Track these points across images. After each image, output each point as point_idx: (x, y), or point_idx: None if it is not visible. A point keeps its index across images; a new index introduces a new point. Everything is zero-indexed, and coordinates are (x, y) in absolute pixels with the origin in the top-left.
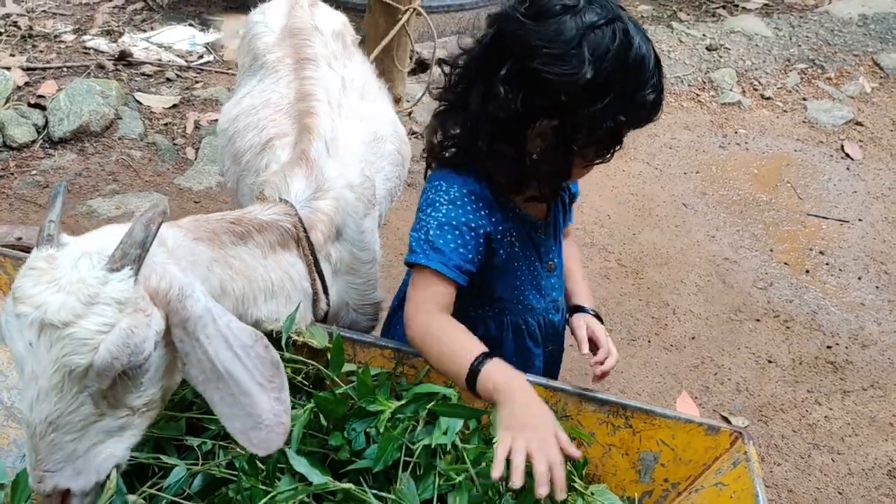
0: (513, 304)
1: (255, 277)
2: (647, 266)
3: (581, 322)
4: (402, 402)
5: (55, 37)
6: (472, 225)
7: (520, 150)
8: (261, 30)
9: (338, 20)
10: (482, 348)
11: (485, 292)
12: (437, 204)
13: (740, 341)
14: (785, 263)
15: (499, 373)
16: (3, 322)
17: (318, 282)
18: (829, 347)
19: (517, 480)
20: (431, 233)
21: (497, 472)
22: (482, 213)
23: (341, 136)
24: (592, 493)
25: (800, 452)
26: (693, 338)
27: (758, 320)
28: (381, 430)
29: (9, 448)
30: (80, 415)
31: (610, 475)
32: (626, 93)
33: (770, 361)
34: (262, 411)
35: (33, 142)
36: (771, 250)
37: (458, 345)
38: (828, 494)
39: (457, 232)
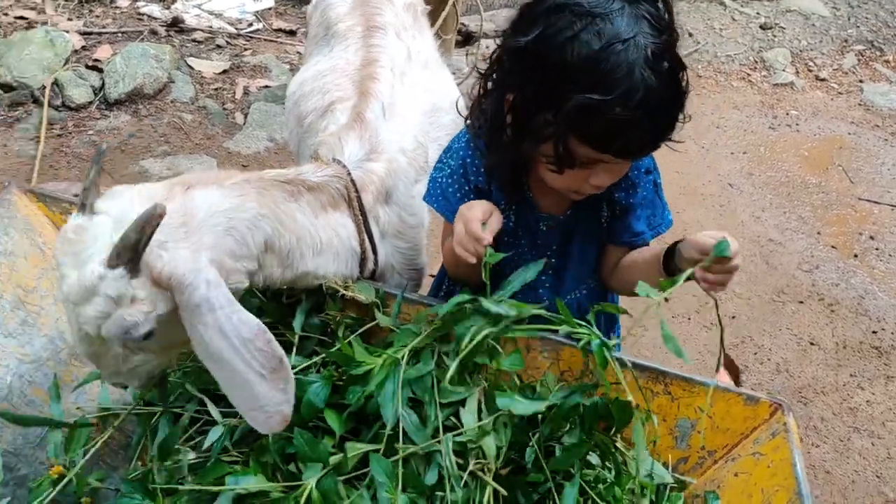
0: (495, 278)
1: (304, 235)
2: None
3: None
4: (380, 359)
5: (110, 2)
6: (467, 176)
7: (498, 122)
8: (333, 0)
9: None
10: None
11: None
12: (451, 151)
13: (782, 322)
14: (832, 247)
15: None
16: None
17: (366, 241)
18: (874, 332)
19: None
20: (444, 180)
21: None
22: (480, 169)
23: (399, 102)
24: (632, 457)
25: (839, 435)
26: (734, 317)
27: (801, 302)
28: (375, 388)
29: (71, 384)
30: (114, 353)
31: (647, 441)
32: (553, 86)
33: (812, 344)
34: (261, 398)
35: (90, 103)
36: (818, 233)
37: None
38: (865, 477)
39: (461, 181)
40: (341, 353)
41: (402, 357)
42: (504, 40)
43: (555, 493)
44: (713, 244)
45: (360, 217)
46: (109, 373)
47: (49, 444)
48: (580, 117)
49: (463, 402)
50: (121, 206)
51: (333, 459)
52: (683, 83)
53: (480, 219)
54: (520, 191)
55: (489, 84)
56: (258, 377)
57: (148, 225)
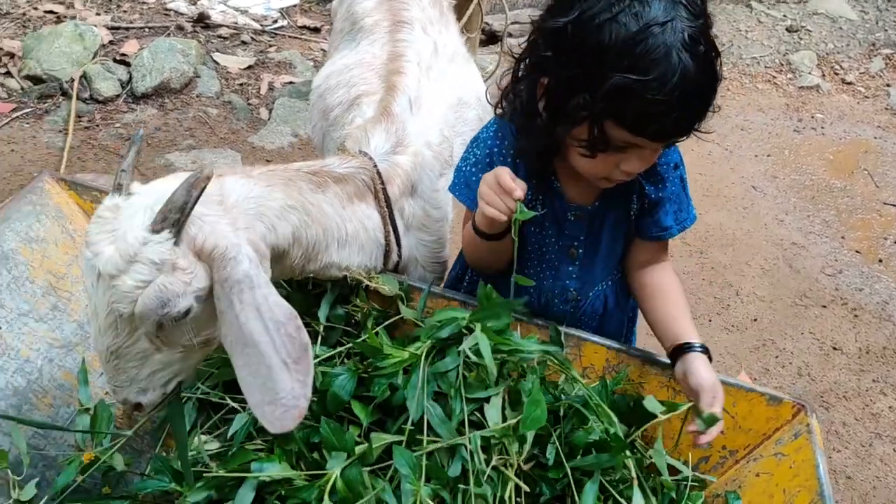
0: (520, 268)
1: (331, 226)
2: (711, 246)
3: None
4: (407, 353)
5: None
6: (493, 165)
7: (532, 107)
8: None
9: None
10: None
11: None
12: (479, 141)
13: (804, 326)
14: (856, 251)
15: None
16: (80, 259)
17: (391, 234)
18: None
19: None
20: (468, 169)
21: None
22: (507, 158)
23: (426, 96)
24: (650, 456)
25: (861, 441)
26: (755, 320)
27: (824, 307)
28: (402, 381)
29: (99, 369)
30: (138, 348)
31: (668, 438)
32: (590, 68)
33: (835, 348)
34: (280, 388)
35: (117, 96)
36: (842, 237)
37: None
38: (887, 483)
39: (486, 170)
40: (368, 344)
41: (424, 353)
42: (540, 23)
43: (574, 491)
44: (703, 412)
45: (386, 209)
46: (125, 380)
47: (77, 426)
48: (617, 99)
49: (487, 399)
50: (157, 188)
51: (358, 449)
52: (718, 69)
53: (510, 175)
54: (547, 179)
55: (523, 68)
56: (282, 365)
57: (195, 187)
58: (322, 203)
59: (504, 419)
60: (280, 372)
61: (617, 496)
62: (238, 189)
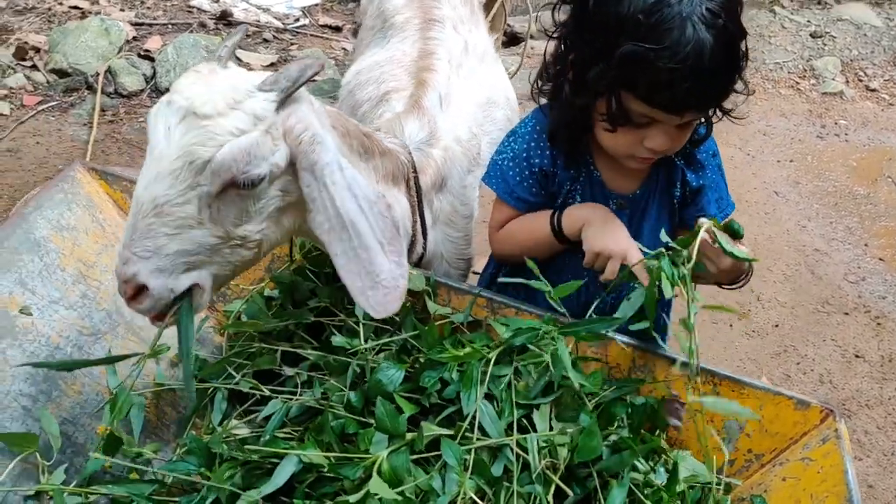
0: (564, 260)
1: None
2: None
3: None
4: (469, 349)
5: None
6: (531, 160)
7: (560, 82)
8: None
9: None
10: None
11: None
12: (516, 135)
13: (826, 333)
14: (880, 259)
15: (576, 209)
16: (152, 111)
17: (418, 223)
18: None
19: (607, 276)
20: (505, 163)
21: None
22: (545, 150)
23: (455, 93)
24: (676, 460)
25: (883, 450)
26: (777, 325)
27: (846, 314)
28: (455, 376)
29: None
30: (183, 211)
31: (693, 441)
32: (608, 38)
33: (857, 356)
34: (380, 269)
35: (142, 90)
36: (866, 245)
37: (533, 219)
38: None
39: (524, 164)
40: (430, 335)
41: (494, 355)
42: (571, 2)
43: (600, 494)
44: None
45: (416, 198)
46: (148, 247)
47: (105, 415)
48: (629, 67)
49: (537, 406)
50: (248, 72)
51: (407, 437)
52: (740, 48)
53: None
54: (582, 160)
55: (554, 47)
56: (379, 248)
57: (310, 69)
58: (362, 169)
59: (550, 427)
60: (378, 253)
61: (644, 500)
62: (319, 105)
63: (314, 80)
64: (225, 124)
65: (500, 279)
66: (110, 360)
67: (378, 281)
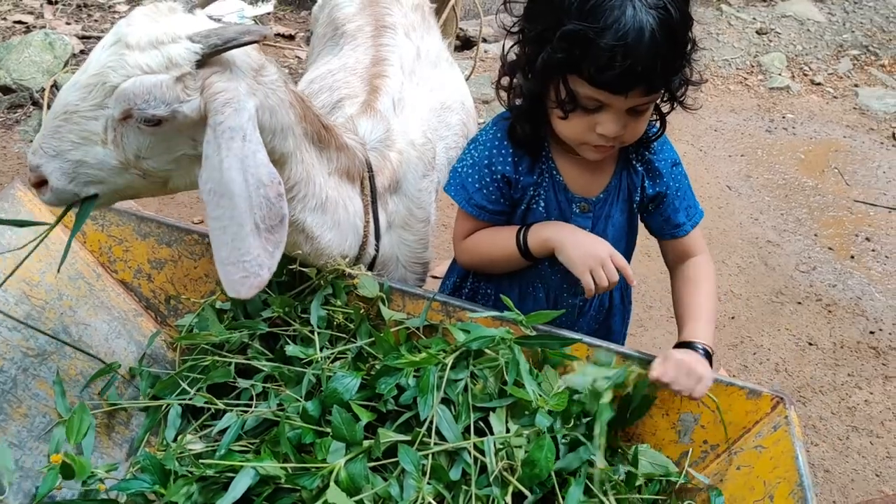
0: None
1: (315, 179)
2: None
3: (663, 356)
4: (424, 354)
5: (109, 7)
6: (492, 167)
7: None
8: (340, 0)
9: None
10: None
11: None
12: (478, 142)
13: (781, 323)
14: (829, 248)
15: (541, 228)
16: (112, 28)
17: (371, 224)
18: (871, 333)
19: (588, 294)
20: (465, 170)
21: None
22: (507, 157)
23: (408, 98)
24: (636, 455)
25: (838, 434)
26: (733, 317)
27: (799, 303)
28: (411, 381)
29: (76, 377)
30: (89, 126)
31: (649, 434)
32: (554, 23)
33: (811, 344)
34: (247, 251)
35: None
36: (815, 235)
37: (498, 233)
38: (865, 476)
39: (483, 171)
40: (385, 341)
41: (451, 360)
42: None
43: (559, 493)
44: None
45: (370, 198)
46: (53, 147)
47: (53, 438)
48: (572, 48)
49: (493, 409)
50: (217, 25)
51: (365, 444)
52: (685, 34)
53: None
54: (544, 164)
55: (510, 45)
56: (254, 228)
57: (248, 34)
58: (314, 157)
59: (507, 429)
60: (250, 233)
61: (602, 497)
62: (274, 77)
63: None
64: (139, 59)
65: (471, 312)
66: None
67: (242, 260)
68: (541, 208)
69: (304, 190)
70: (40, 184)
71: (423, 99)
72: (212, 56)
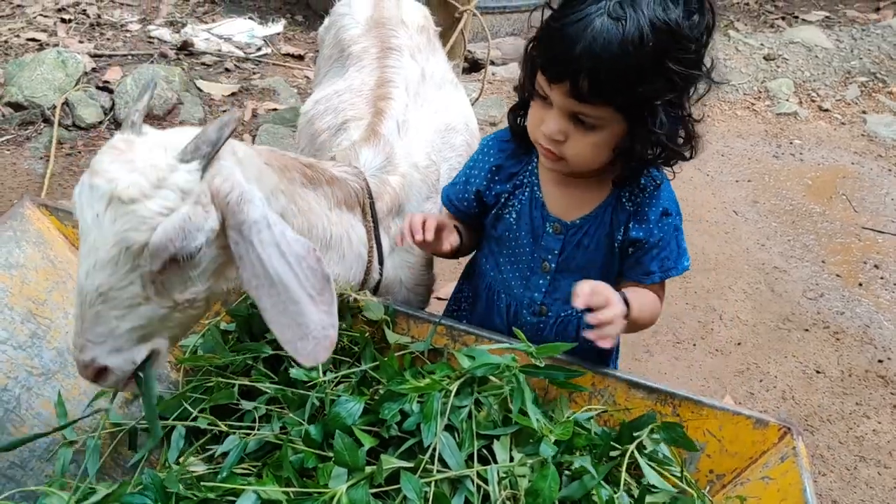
0: (492, 268)
1: (316, 224)
2: (694, 270)
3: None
4: (429, 380)
5: (121, 26)
6: (470, 175)
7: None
8: (347, 22)
9: (421, 14)
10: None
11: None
12: (465, 166)
13: (788, 350)
14: (837, 275)
15: None
16: (76, 191)
17: (374, 249)
18: (880, 361)
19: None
20: (448, 188)
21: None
22: (485, 171)
23: (413, 120)
24: (642, 482)
25: (845, 464)
26: (739, 344)
27: (806, 330)
28: (415, 407)
29: (79, 397)
30: (128, 293)
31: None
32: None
33: (818, 372)
34: (309, 321)
35: (100, 122)
36: (823, 261)
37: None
38: None
39: (467, 172)
40: (389, 366)
41: (456, 386)
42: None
43: None
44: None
45: (372, 223)
46: (101, 333)
47: (58, 459)
48: (541, 42)
49: (497, 436)
50: (168, 133)
51: (367, 470)
52: (640, 50)
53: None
54: (529, 179)
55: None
56: (308, 300)
57: (227, 126)
58: (310, 198)
59: (511, 458)
60: (307, 306)
61: None
62: (244, 151)
63: (275, 110)
64: (152, 206)
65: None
66: (38, 437)
67: (308, 332)
68: (511, 219)
69: (309, 235)
70: (99, 374)
71: (428, 120)
72: (209, 164)
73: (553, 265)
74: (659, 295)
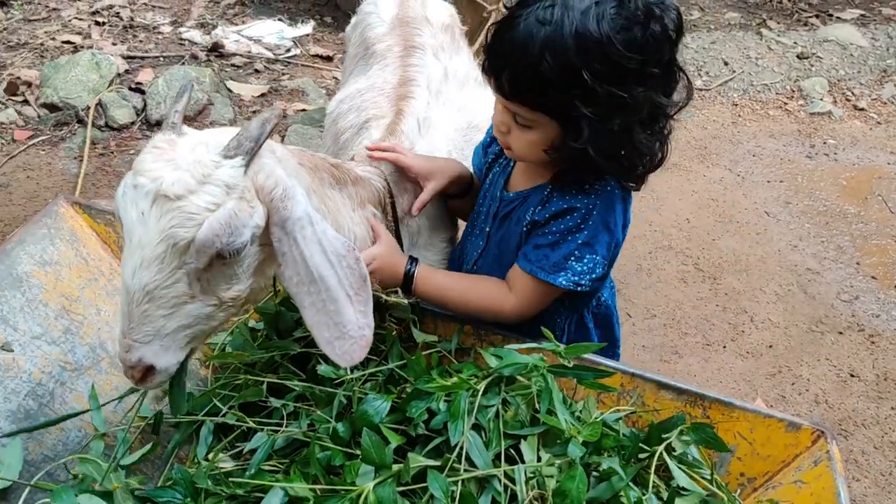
0: (466, 232)
1: (343, 224)
2: (725, 272)
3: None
4: (456, 378)
5: (153, 28)
6: (482, 143)
7: None
8: (372, 20)
9: (447, 13)
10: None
11: None
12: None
13: (821, 353)
14: (872, 277)
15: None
16: (119, 193)
17: None
18: None
19: None
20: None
21: None
22: (488, 137)
23: (434, 118)
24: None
25: (880, 470)
26: (770, 346)
27: (840, 333)
28: (442, 406)
29: (111, 393)
30: (175, 291)
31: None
32: None
33: (852, 375)
34: (347, 321)
35: (132, 123)
36: (857, 263)
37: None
38: None
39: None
40: (417, 364)
41: (483, 385)
42: None
43: None
44: None
45: (393, 223)
46: (149, 332)
47: (91, 452)
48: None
49: (524, 436)
50: (207, 133)
51: (394, 468)
52: (558, 60)
53: None
54: (503, 163)
55: None
56: (346, 299)
57: (269, 122)
58: (337, 199)
59: (538, 458)
60: (345, 305)
61: None
62: (280, 150)
63: (304, 111)
64: (198, 202)
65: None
66: (64, 419)
67: (345, 332)
68: (487, 182)
69: None
70: (145, 374)
71: (450, 119)
72: (252, 159)
73: (489, 230)
74: (518, 289)
